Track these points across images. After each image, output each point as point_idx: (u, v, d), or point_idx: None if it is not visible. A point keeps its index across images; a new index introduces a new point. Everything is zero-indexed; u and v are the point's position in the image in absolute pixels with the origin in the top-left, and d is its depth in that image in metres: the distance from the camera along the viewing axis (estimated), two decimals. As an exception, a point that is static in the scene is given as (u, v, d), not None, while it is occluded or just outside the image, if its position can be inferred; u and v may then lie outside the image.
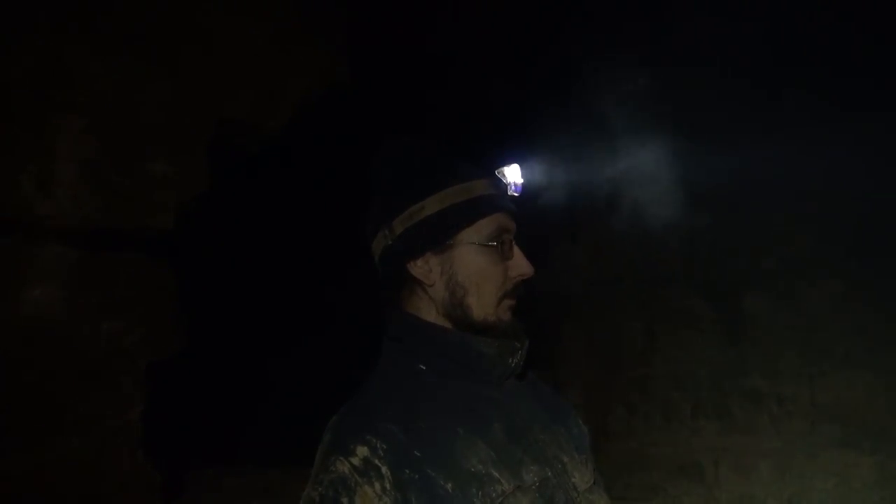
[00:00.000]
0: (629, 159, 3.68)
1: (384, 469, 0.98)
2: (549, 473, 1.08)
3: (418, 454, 1.00)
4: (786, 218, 3.44)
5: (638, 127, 3.51)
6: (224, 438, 3.62)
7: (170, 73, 2.20)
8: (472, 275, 1.10)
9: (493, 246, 1.10)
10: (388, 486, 0.97)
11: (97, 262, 2.35)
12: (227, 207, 3.06)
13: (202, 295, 3.32)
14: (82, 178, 2.10)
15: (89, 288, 2.35)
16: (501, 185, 1.16)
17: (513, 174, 1.19)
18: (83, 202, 2.13)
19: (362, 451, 0.98)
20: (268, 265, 4.62)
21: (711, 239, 3.68)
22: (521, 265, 1.12)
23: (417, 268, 1.11)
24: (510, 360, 1.12)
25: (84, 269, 2.31)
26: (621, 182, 3.77)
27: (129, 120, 2.17)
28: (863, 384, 3.12)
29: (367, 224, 1.17)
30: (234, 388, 4.19)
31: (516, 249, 1.13)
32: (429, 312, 1.13)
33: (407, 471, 0.99)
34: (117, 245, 2.39)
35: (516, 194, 1.17)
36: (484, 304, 1.10)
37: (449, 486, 0.99)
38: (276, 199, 4.39)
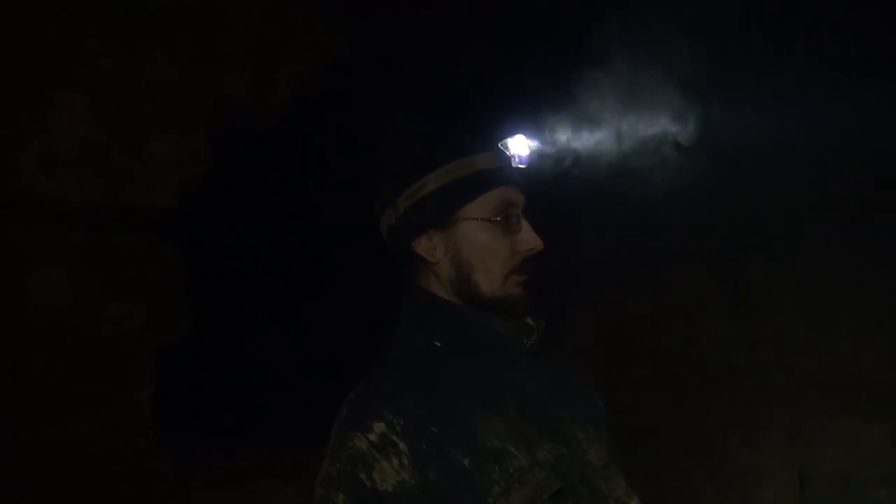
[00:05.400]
0: (631, 129, 3.64)
1: (402, 445, 0.97)
2: (564, 450, 1.07)
3: (435, 430, 1.00)
4: (791, 187, 3.40)
5: (643, 95, 3.46)
6: (234, 420, 3.63)
7: (169, 50, 2.16)
8: (477, 251, 1.08)
9: (496, 221, 1.08)
10: (405, 461, 0.97)
11: (101, 243, 2.34)
12: (229, 187, 3.03)
13: (208, 276, 3.31)
14: (83, 158, 2.09)
15: (94, 270, 2.34)
16: (506, 158, 1.12)
17: (518, 146, 1.14)
18: (85, 182, 2.12)
19: (380, 426, 0.98)
20: (272, 245, 4.61)
21: (716, 211, 3.65)
22: (529, 239, 1.10)
23: (422, 246, 1.10)
24: (525, 340, 1.11)
25: (88, 251, 2.30)
26: (623, 152, 3.73)
27: (129, 98, 2.15)
28: (872, 353, 3.10)
29: (375, 202, 1.16)
30: (243, 369, 4.20)
31: (524, 223, 1.11)
32: (440, 289, 1.12)
33: (424, 446, 0.98)
34: (121, 226, 2.38)
35: (522, 166, 1.13)
36: (491, 279, 1.08)
37: (466, 461, 0.99)
38: (277, 178, 4.36)
